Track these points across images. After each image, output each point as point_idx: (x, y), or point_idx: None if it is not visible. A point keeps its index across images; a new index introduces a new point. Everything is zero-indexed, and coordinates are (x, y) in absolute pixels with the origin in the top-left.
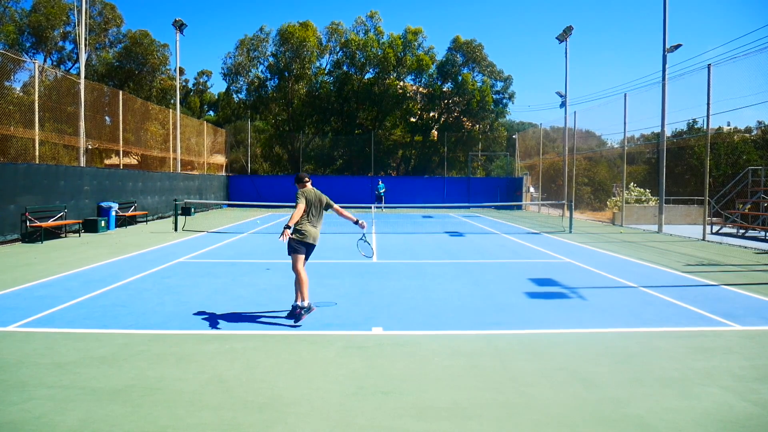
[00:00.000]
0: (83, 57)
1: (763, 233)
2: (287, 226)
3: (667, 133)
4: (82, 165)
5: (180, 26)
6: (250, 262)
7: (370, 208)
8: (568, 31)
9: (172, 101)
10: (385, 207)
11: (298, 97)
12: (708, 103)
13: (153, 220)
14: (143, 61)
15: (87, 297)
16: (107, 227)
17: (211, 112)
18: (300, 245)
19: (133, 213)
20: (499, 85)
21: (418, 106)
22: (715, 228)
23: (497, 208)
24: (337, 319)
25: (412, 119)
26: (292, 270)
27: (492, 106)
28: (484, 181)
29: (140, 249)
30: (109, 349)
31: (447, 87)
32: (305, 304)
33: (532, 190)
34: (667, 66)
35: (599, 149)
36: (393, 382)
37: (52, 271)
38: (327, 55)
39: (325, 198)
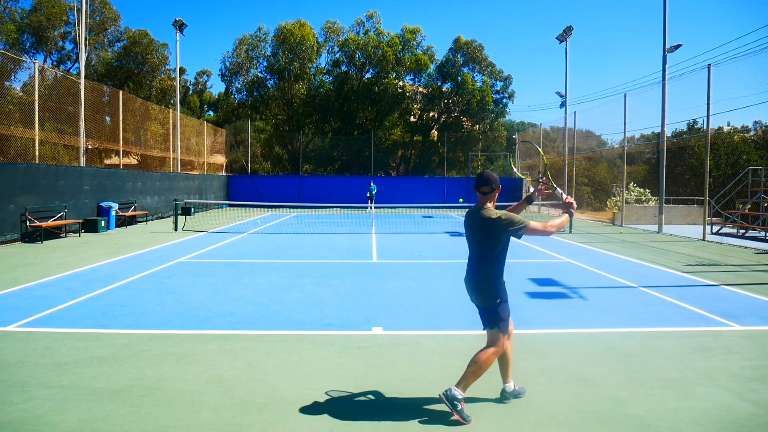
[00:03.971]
0: (83, 57)
1: (763, 233)
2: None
3: (667, 133)
4: (82, 165)
5: (180, 26)
6: (250, 262)
7: (368, 208)
8: (568, 31)
9: (171, 101)
10: (375, 207)
11: (298, 97)
12: (708, 103)
13: (153, 220)
14: (143, 61)
15: (87, 297)
16: (107, 227)
17: (211, 112)
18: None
19: (133, 213)
20: (499, 84)
21: (418, 106)
22: (715, 228)
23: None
24: (337, 319)
25: (412, 119)
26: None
27: (492, 106)
28: None
29: (140, 249)
30: (109, 349)
31: (446, 87)
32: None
33: (532, 189)
34: (667, 66)
35: (599, 149)
36: (393, 382)
37: (52, 271)
38: (325, 54)
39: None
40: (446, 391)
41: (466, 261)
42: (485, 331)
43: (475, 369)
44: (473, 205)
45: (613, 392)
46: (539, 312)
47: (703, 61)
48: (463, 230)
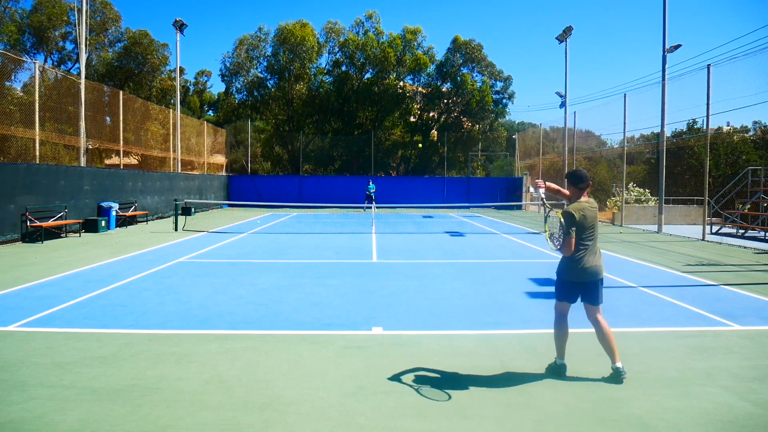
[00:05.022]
0: (83, 57)
1: (762, 233)
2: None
3: (667, 133)
4: (82, 165)
5: (180, 26)
6: (250, 262)
7: (370, 208)
8: (568, 31)
9: (172, 101)
10: (377, 207)
11: (298, 97)
12: (708, 104)
13: (153, 220)
14: (143, 61)
15: (87, 297)
16: (107, 227)
17: (211, 112)
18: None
19: (134, 213)
20: (499, 85)
21: (418, 106)
22: (715, 228)
23: (497, 208)
24: (337, 319)
25: (412, 119)
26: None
27: (492, 106)
28: (484, 181)
29: (140, 249)
30: (109, 349)
31: (446, 87)
32: (561, 361)
33: (532, 190)
34: (666, 66)
35: (599, 149)
36: (393, 382)
37: (52, 271)
38: (326, 55)
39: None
40: (619, 369)
41: (588, 248)
42: (595, 309)
43: (612, 339)
44: (582, 200)
45: (613, 392)
46: (539, 312)
47: (703, 61)
48: (462, 231)
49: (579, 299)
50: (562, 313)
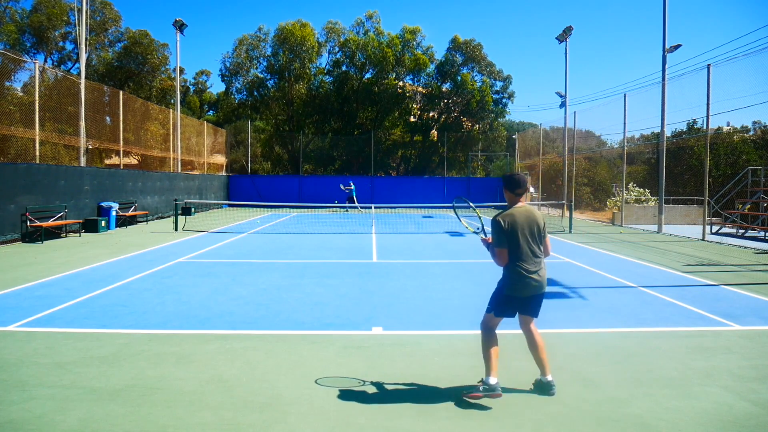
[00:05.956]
0: (83, 57)
1: (762, 233)
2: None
3: (667, 133)
4: (82, 165)
5: (180, 26)
6: (250, 262)
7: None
8: (567, 31)
9: (172, 101)
10: (356, 206)
11: (298, 97)
12: (708, 104)
13: (153, 220)
14: (143, 61)
15: (87, 297)
16: (107, 227)
17: (211, 112)
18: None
19: (134, 213)
20: (499, 85)
21: (418, 106)
22: (715, 228)
23: (497, 208)
24: (337, 319)
25: (412, 119)
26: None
27: (492, 106)
28: (484, 181)
29: (140, 249)
30: (109, 349)
31: (446, 87)
32: (490, 381)
33: (532, 190)
34: (666, 66)
35: (599, 149)
36: (393, 382)
37: (52, 271)
38: (326, 55)
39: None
40: (550, 383)
41: (526, 259)
42: (530, 320)
43: (544, 351)
44: (517, 206)
45: (613, 392)
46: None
47: (703, 61)
48: (463, 231)
49: (516, 314)
50: (492, 327)
